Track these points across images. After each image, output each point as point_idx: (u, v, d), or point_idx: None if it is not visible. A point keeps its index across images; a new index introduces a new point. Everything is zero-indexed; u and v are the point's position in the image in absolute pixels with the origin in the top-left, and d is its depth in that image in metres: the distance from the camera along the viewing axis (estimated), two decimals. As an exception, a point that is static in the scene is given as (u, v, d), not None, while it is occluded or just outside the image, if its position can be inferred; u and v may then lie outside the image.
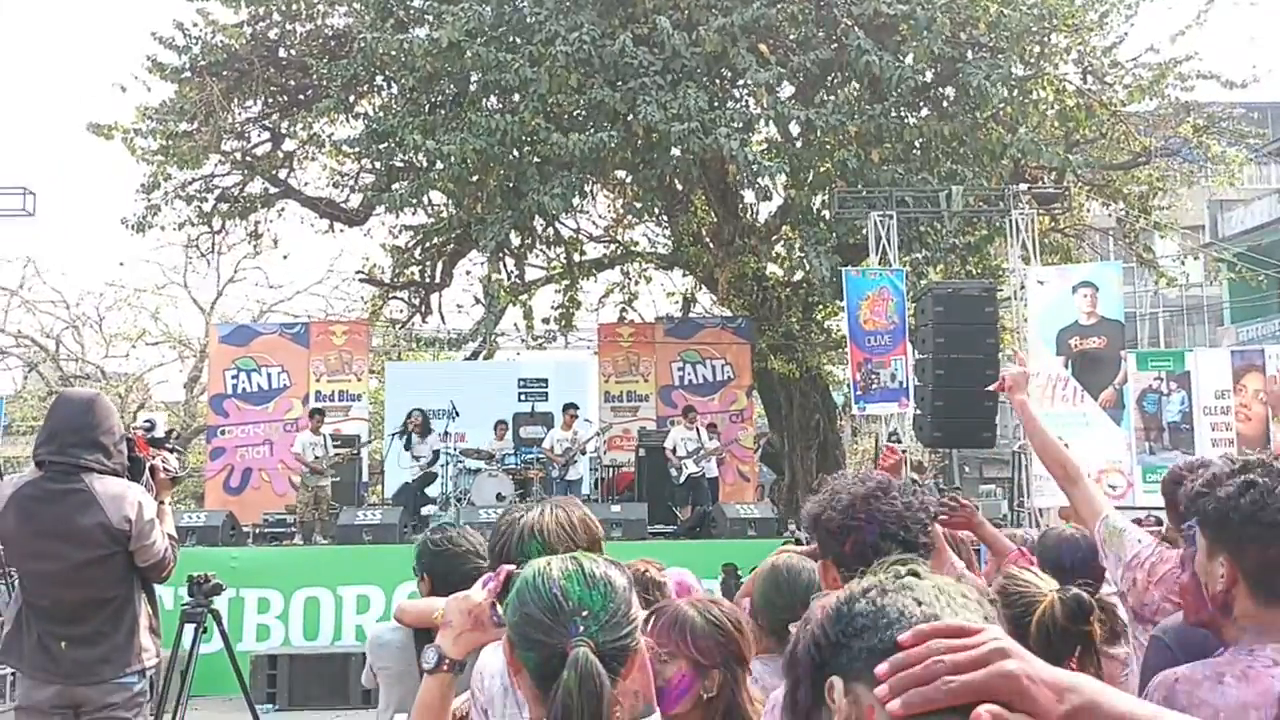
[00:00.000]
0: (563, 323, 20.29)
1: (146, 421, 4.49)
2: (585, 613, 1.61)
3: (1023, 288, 13.18)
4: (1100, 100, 16.10)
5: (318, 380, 17.31)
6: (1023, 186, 14.20)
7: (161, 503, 4.32)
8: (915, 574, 1.22)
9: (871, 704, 1.10)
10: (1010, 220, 13.54)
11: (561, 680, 1.54)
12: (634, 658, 1.66)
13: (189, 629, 4.61)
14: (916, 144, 14.85)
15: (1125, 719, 1.08)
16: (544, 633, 1.61)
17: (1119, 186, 17.59)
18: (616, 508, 13.41)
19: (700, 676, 2.35)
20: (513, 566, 1.81)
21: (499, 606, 1.83)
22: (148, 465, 4.28)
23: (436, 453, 14.73)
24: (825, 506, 2.24)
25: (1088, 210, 19.10)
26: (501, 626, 1.81)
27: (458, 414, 15.09)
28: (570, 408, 15.07)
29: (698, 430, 14.59)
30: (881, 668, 1.08)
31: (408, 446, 15.04)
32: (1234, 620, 1.91)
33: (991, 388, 3.86)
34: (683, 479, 14.26)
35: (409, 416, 15.13)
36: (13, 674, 11.12)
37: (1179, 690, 1.83)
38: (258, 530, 13.99)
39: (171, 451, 4.47)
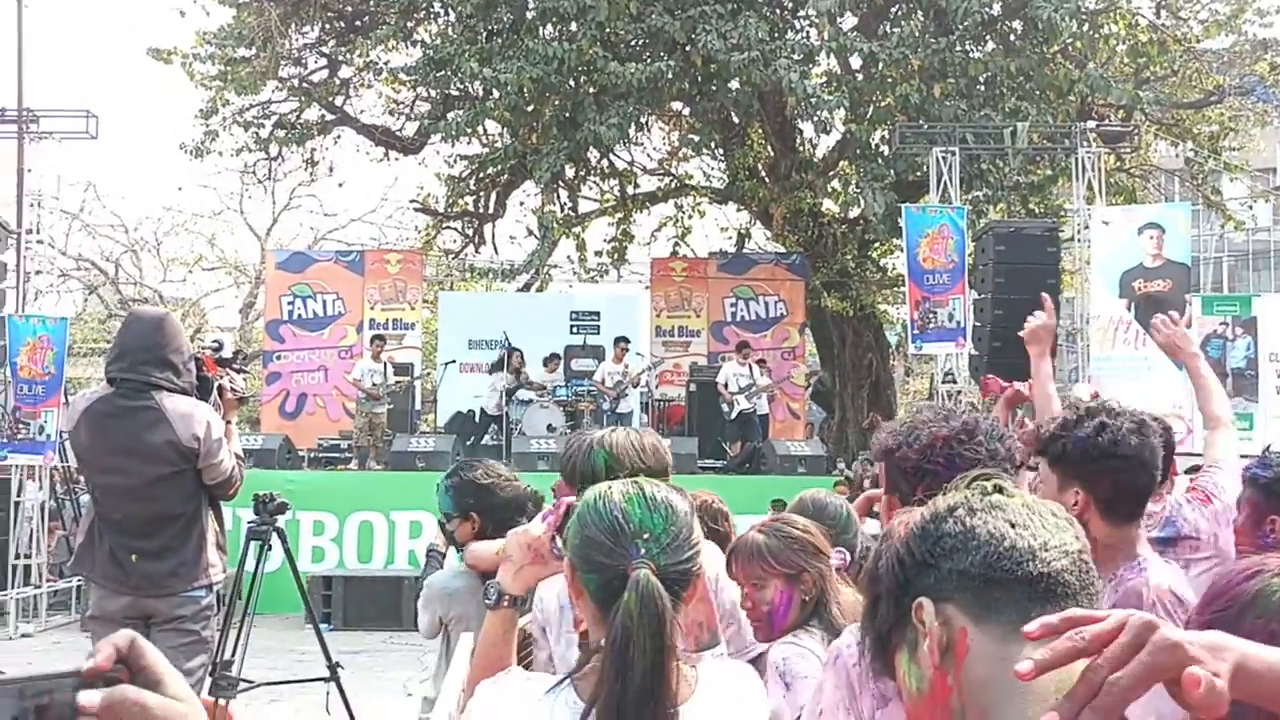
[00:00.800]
0: (615, 256, 20.22)
1: (215, 342, 4.52)
2: (646, 535, 1.60)
3: (1086, 228, 12.90)
4: (1174, 36, 15.63)
5: (372, 308, 17.43)
6: (1090, 124, 13.84)
7: (228, 422, 4.36)
8: (1002, 490, 1.18)
9: (964, 626, 1.07)
10: (1076, 159, 13.22)
11: (622, 601, 1.53)
12: (696, 582, 1.66)
13: (254, 546, 4.68)
14: (981, 79, 14.52)
15: (1274, 667, 1.01)
16: (605, 555, 1.60)
17: (1189, 126, 17.11)
18: (666, 441, 13.44)
19: (795, 585, 2.56)
20: (573, 499, 1.80)
21: (559, 539, 1.82)
22: (215, 385, 4.32)
23: (510, 392, 14.74)
24: (902, 442, 2.08)
25: (1155, 150, 18.63)
26: (561, 559, 1.81)
27: (510, 345, 15.13)
28: (621, 341, 15.05)
29: (750, 366, 14.54)
30: (1025, 666, 0.98)
31: (493, 370, 15.03)
32: (1095, 543, 2.03)
33: (1020, 332, 3.68)
34: (734, 415, 14.23)
35: (511, 353, 15.02)
36: (79, 584, 11.48)
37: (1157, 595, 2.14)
38: (313, 454, 14.23)
39: (238, 372, 4.50)
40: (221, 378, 4.34)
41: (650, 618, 1.52)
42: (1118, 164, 16.72)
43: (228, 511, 4.52)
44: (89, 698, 0.81)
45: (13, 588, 11.58)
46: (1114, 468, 2.21)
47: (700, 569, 1.67)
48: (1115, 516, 2.24)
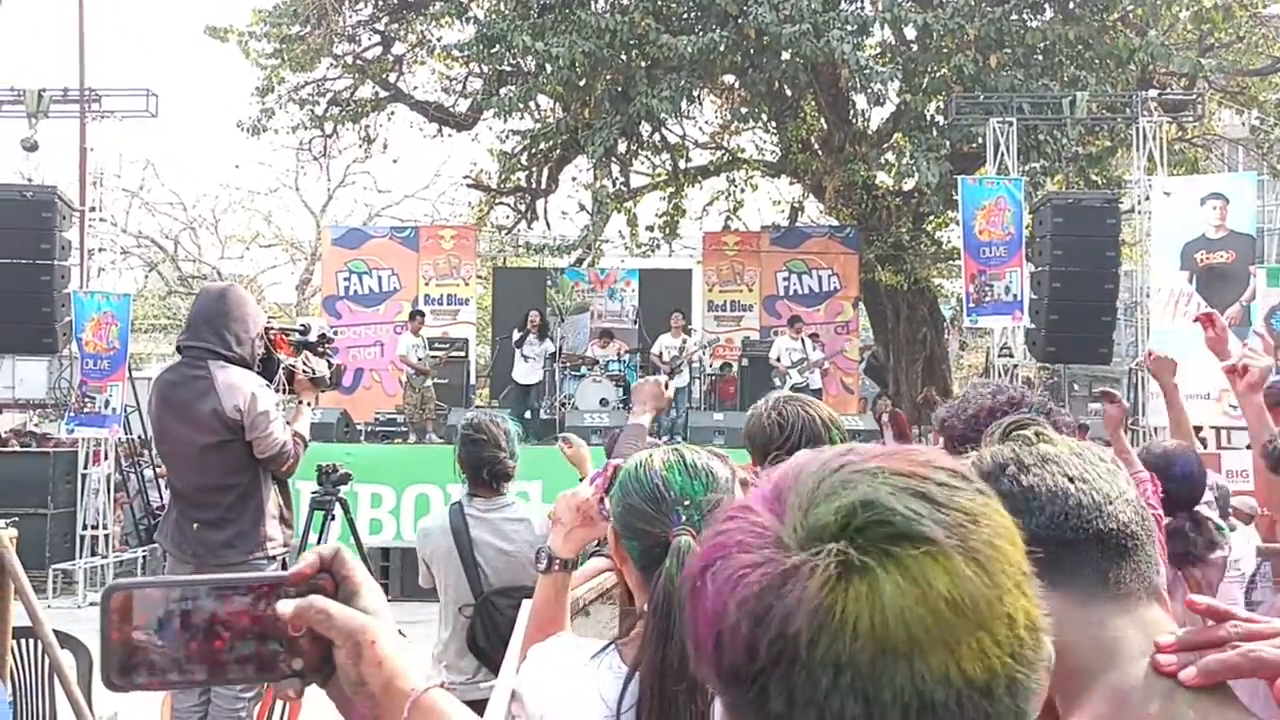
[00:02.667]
0: (667, 230, 20.19)
1: (302, 325, 4.57)
2: (688, 502, 1.62)
3: (1146, 199, 12.65)
4: (1239, 1, 15.22)
5: (427, 284, 17.58)
6: (1151, 93, 13.55)
7: (301, 403, 4.43)
8: (1042, 437, 1.14)
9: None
10: (1136, 129, 12.95)
11: (664, 568, 1.55)
12: None
13: (317, 516, 4.77)
14: (1039, 48, 14.26)
15: None
16: (647, 522, 1.63)
17: (1254, 93, 16.71)
18: (719, 415, 13.47)
19: None
20: (620, 461, 1.82)
21: (606, 501, 1.85)
22: (282, 366, 4.37)
23: (552, 356, 14.83)
24: (953, 413, 2.14)
25: (1218, 119, 18.21)
26: (609, 521, 1.83)
27: (562, 320, 15.14)
28: (678, 314, 15.06)
29: (803, 341, 14.47)
30: (1189, 674, 0.97)
31: (520, 344, 15.11)
32: None
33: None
34: (786, 389, 14.17)
35: (527, 316, 15.14)
36: (145, 554, 11.75)
37: None
38: (369, 428, 14.41)
39: (320, 355, 4.50)
40: (296, 359, 4.39)
41: None
42: (1180, 134, 16.37)
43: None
44: (284, 606, 0.89)
45: (81, 558, 11.88)
46: None
47: None
48: None
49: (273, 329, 4.49)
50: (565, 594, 1.97)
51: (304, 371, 4.40)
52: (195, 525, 4.22)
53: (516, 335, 15.03)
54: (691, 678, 1.51)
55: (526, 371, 14.94)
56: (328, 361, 4.53)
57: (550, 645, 1.74)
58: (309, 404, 4.48)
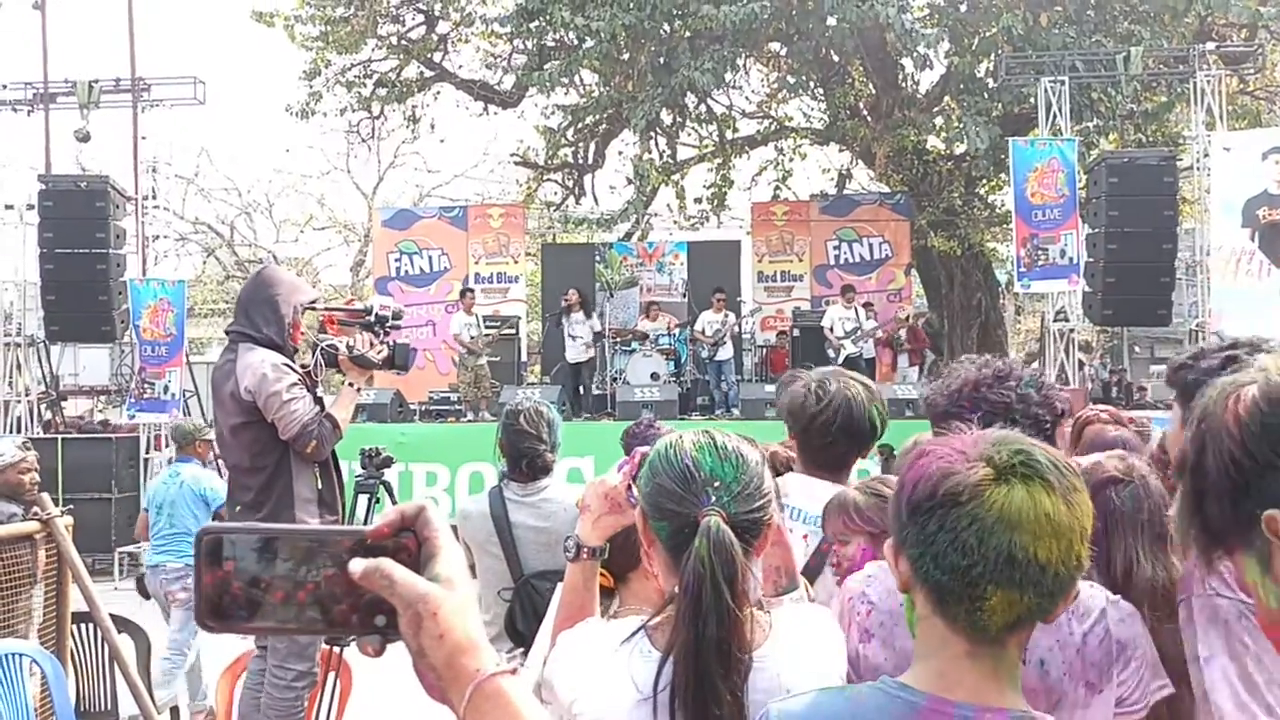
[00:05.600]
0: (715, 202, 20.06)
1: (366, 306, 4.54)
2: (717, 483, 1.61)
3: (1206, 155, 12.34)
4: (1301, -54, 14.72)
5: (476, 262, 17.65)
6: (1209, 45, 13.18)
7: (348, 384, 4.37)
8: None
9: None
10: (1195, 83, 12.61)
11: (693, 549, 1.54)
12: (767, 531, 1.66)
13: (362, 500, 4.79)
14: (1091, 4, 13.92)
15: None
16: (676, 503, 1.61)
17: (1319, 42, 16.18)
18: (770, 387, 13.40)
19: (878, 544, 2.46)
20: (647, 448, 1.80)
21: (634, 488, 1.82)
22: (321, 346, 4.34)
23: (598, 334, 14.85)
24: (936, 390, 2.12)
25: (1281, 70, 17.69)
26: (637, 508, 1.81)
27: (611, 295, 15.12)
28: (718, 291, 15.00)
29: (856, 310, 14.33)
30: None
31: (558, 324, 15.17)
32: None
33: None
34: (841, 360, 14.04)
35: (565, 295, 15.20)
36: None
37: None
38: (424, 408, 14.53)
39: (380, 335, 4.40)
40: (339, 339, 4.34)
41: (723, 564, 1.52)
42: (1240, 86, 15.93)
43: (341, 464, 4.51)
44: (356, 565, 0.88)
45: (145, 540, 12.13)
46: None
47: (771, 518, 1.67)
48: None
49: (328, 309, 4.49)
50: (594, 581, 1.95)
51: (347, 351, 4.32)
52: (237, 508, 4.27)
53: (557, 315, 15.08)
54: (724, 658, 1.50)
55: (576, 350, 14.97)
56: (387, 344, 4.40)
57: (579, 631, 1.73)
58: (356, 385, 4.39)
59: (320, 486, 4.29)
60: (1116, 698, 1.85)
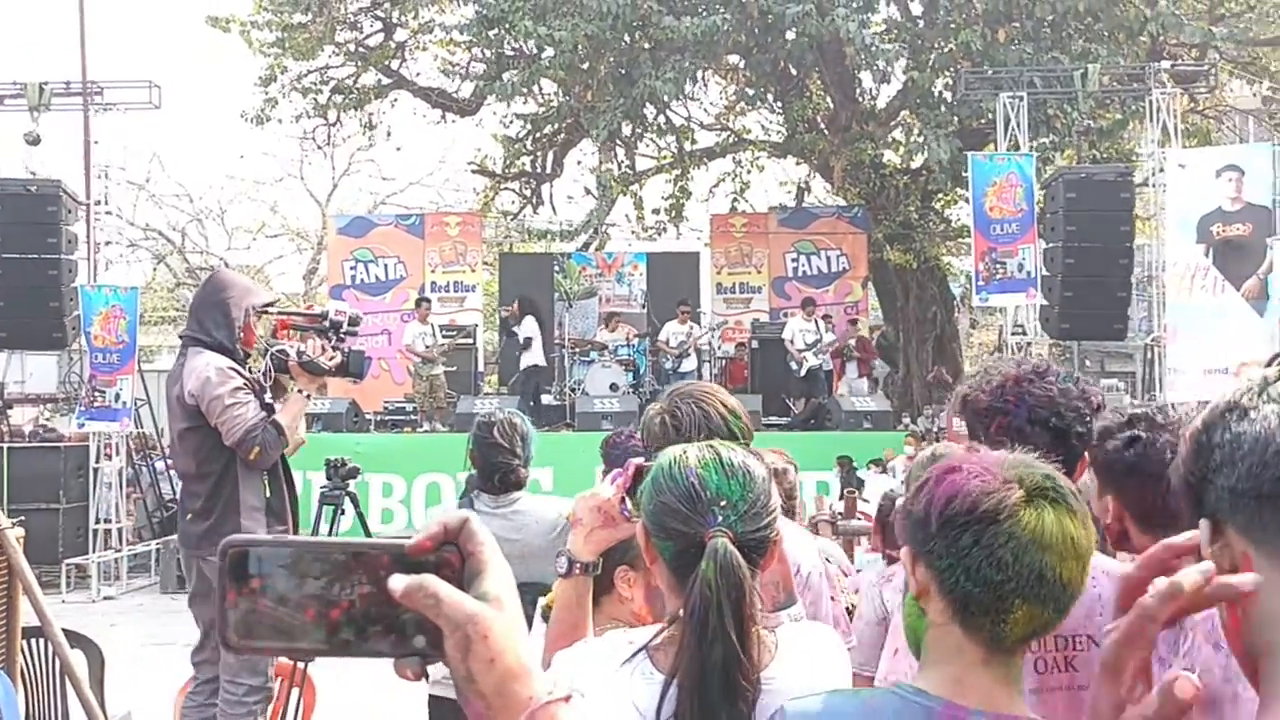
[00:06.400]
0: (673, 213, 20.07)
1: (322, 311, 4.44)
2: (724, 502, 1.55)
3: (1160, 172, 12.51)
4: (1250, -32, 15.05)
5: (433, 271, 17.51)
6: (1164, 64, 13.39)
7: (298, 390, 4.24)
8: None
9: (1246, 551, 0.91)
10: (1150, 101, 12.80)
11: (700, 571, 1.49)
12: (773, 549, 1.61)
13: (326, 510, 4.69)
14: (1048, 21, 14.11)
15: None
16: (681, 522, 1.55)
17: (1266, 64, 16.53)
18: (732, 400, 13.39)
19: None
20: (641, 460, 1.74)
21: (628, 501, 1.77)
22: (270, 351, 4.23)
23: (549, 340, 14.84)
24: (976, 388, 2.13)
25: (1229, 90, 18.02)
26: (631, 521, 1.76)
27: (570, 305, 15.04)
28: (683, 303, 15.01)
29: (816, 322, 14.39)
30: None
31: (512, 333, 15.13)
32: (1140, 550, 2.02)
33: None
34: (803, 372, 14.07)
35: (505, 311, 15.20)
36: (158, 547, 11.71)
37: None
38: (379, 418, 14.37)
39: (333, 341, 4.27)
40: (289, 345, 4.25)
41: (730, 587, 1.47)
42: (1191, 105, 16.21)
43: (295, 475, 4.42)
44: (396, 582, 0.80)
45: (94, 552, 11.87)
46: (1142, 484, 2.02)
47: (778, 535, 1.62)
48: (1149, 528, 2.05)
49: (282, 312, 4.39)
50: (587, 598, 1.89)
51: (298, 355, 4.19)
52: (189, 516, 4.16)
53: (507, 328, 15.11)
54: (732, 681, 1.45)
55: (530, 355, 14.91)
56: (341, 351, 4.27)
57: (576, 651, 1.67)
58: (306, 392, 4.25)
59: (269, 495, 4.17)
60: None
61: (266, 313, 4.30)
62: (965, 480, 1.35)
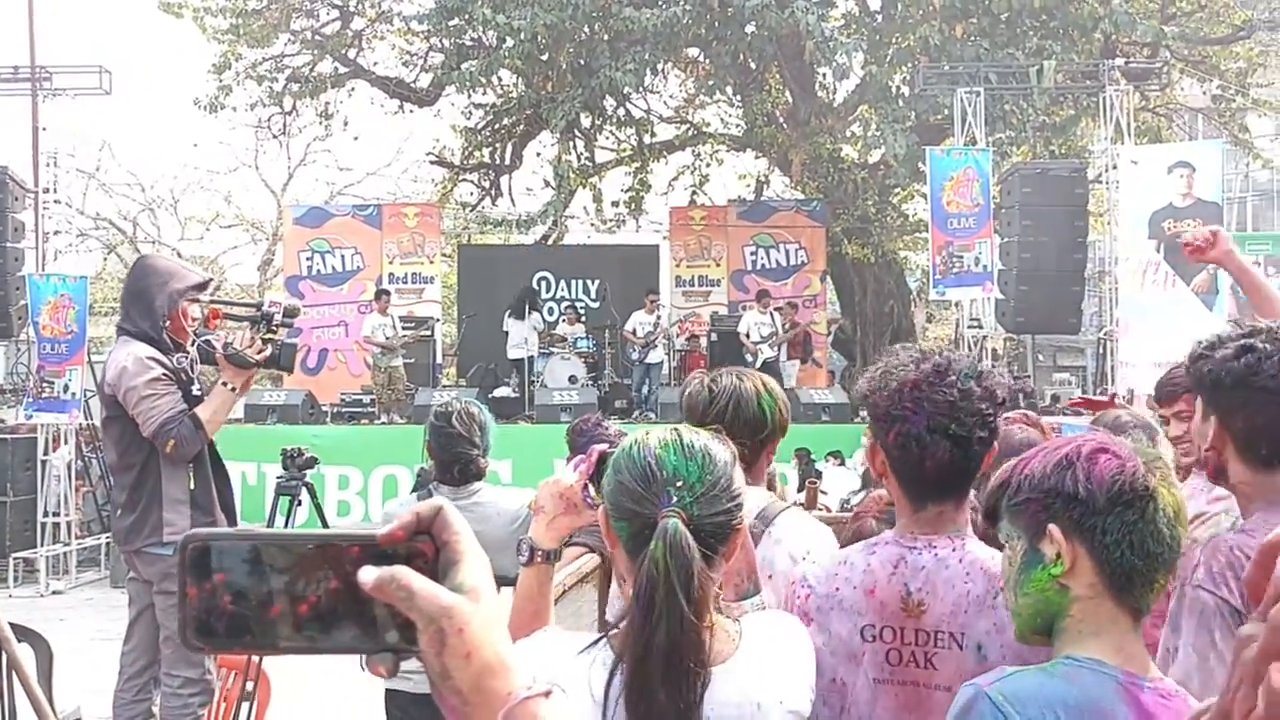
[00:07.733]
0: (633, 206, 20.05)
1: (258, 302, 4.33)
2: (680, 483, 1.51)
3: (1113, 168, 12.67)
4: (1201, -31, 15.27)
5: (390, 262, 17.36)
6: (1117, 62, 13.55)
7: (221, 383, 4.08)
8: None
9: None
10: (1103, 98, 12.95)
11: (648, 551, 1.45)
12: (734, 536, 1.57)
13: (282, 501, 4.62)
14: (1004, 17, 14.23)
15: None
16: (636, 502, 1.52)
17: (1216, 62, 16.78)
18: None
19: None
20: (605, 445, 1.72)
21: (591, 488, 1.75)
22: (197, 342, 4.15)
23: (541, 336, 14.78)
24: (875, 388, 1.97)
25: (1180, 88, 18.29)
26: (594, 508, 1.74)
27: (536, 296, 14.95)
28: (651, 292, 15.01)
29: (771, 315, 14.44)
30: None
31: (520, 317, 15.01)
32: (1235, 487, 1.99)
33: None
34: (759, 364, 14.12)
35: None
36: (108, 541, 11.51)
37: (1235, 554, 1.87)
38: (335, 409, 14.24)
39: (262, 332, 4.11)
40: (228, 334, 4.12)
41: (679, 569, 1.43)
42: (1143, 103, 16.42)
43: (250, 466, 4.38)
44: (366, 574, 0.76)
45: (42, 545, 11.67)
46: (1248, 401, 1.87)
47: (741, 523, 1.59)
48: (1253, 458, 1.91)
49: (214, 301, 4.27)
50: (548, 586, 1.86)
51: (224, 348, 4.06)
52: (118, 511, 4.10)
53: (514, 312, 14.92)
54: (675, 667, 1.42)
55: (521, 348, 14.80)
56: (273, 343, 4.11)
57: (536, 640, 1.64)
58: (231, 385, 4.08)
59: (193, 487, 4.07)
60: None
61: (197, 300, 4.15)
62: (1123, 461, 1.51)
